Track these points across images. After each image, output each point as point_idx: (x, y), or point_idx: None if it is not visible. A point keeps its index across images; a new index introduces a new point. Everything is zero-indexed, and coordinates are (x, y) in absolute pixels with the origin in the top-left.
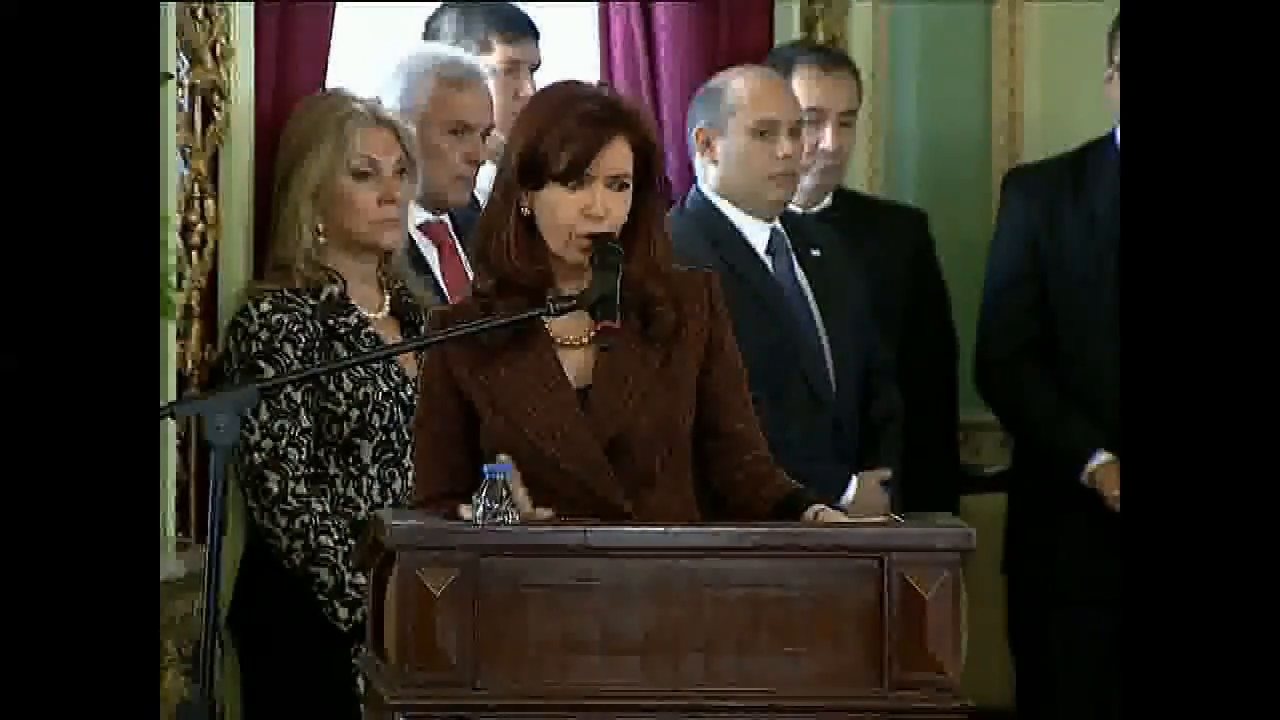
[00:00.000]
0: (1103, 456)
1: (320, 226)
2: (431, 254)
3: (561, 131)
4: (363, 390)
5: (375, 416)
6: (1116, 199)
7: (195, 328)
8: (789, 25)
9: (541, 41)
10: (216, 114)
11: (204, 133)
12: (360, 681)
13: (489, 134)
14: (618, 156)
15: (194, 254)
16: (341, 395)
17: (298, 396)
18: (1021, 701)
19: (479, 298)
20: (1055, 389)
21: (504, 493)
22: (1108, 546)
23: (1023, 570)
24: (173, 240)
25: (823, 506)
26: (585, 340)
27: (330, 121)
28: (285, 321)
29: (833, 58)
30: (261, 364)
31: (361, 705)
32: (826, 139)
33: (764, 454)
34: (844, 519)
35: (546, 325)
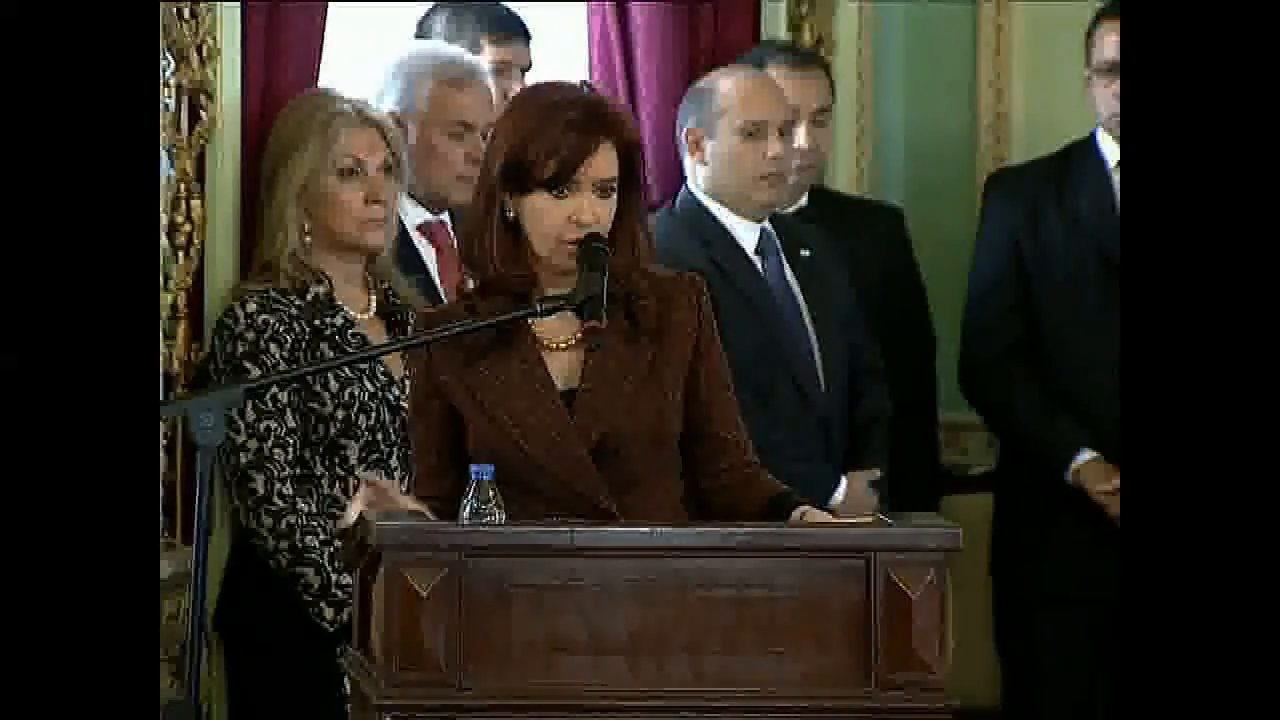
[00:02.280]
0: (1087, 455)
1: (306, 226)
2: (429, 254)
3: (548, 138)
4: (349, 391)
5: (361, 417)
6: (1099, 200)
7: (181, 328)
8: (775, 25)
9: (532, 43)
10: (203, 114)
11: (190, 133)
12: (347, 682)
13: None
14: (604, 163)
15: (180, 254)
16: (327, 396)
17: (284, 397)
18: (1007, 701)
19: (464, 300)
20: (1041, 389)
21: (490, 493)
22: (1094, 545)
23: (1009, 570)
24: (159, 241)
25: (809, 508)
26: (572, 342)
27: (316, 121)
28: (271, 322)
29: (802, 57)
30: (247, 364)
31: (348, 706)
32: (800, 138)
33: (751, 457)
34: (830, 519)
35: (533, 327)
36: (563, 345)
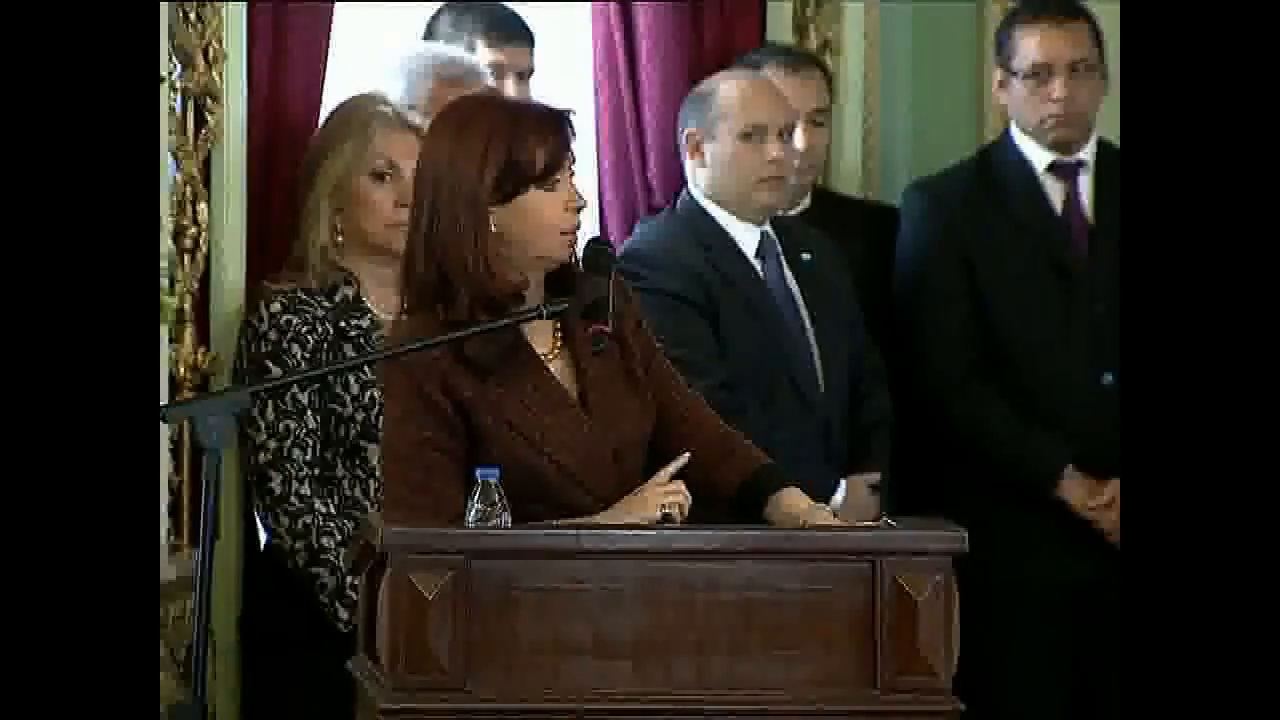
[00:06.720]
0: (1070, 470)
1: (338, 225)
2: None
3: (534, 135)
4: (369, 393)
5: (381, 420)
6: (1036, 204)
7: (188, 331)
8: (780, 27)
9: (536, 46)
10: (209, 117)
11: (196, 136)
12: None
13: None
14: (573, 150)
15: (186, 258)
16: (348, 397)
17: (304, 397)
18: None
19: (452, 326)
20: (1012, 405)
21: (496, 496)
22: (1045, 536)
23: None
24: (165, 244)
25: (793, 491)
26: (557, 350)
27: (355, 121)
28: (294, 322)
29: (798, 58)
30: (269, 364)
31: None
32: (798, 139)
33: (719, 421)
34: (834, 521)
35: (528, 340)
36: (551, 355)
